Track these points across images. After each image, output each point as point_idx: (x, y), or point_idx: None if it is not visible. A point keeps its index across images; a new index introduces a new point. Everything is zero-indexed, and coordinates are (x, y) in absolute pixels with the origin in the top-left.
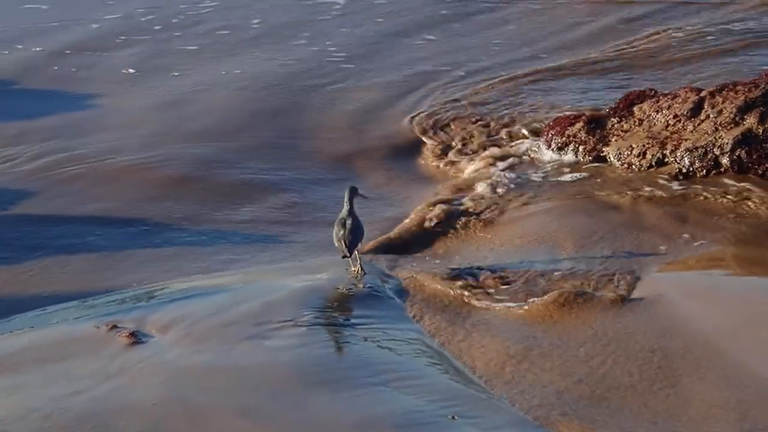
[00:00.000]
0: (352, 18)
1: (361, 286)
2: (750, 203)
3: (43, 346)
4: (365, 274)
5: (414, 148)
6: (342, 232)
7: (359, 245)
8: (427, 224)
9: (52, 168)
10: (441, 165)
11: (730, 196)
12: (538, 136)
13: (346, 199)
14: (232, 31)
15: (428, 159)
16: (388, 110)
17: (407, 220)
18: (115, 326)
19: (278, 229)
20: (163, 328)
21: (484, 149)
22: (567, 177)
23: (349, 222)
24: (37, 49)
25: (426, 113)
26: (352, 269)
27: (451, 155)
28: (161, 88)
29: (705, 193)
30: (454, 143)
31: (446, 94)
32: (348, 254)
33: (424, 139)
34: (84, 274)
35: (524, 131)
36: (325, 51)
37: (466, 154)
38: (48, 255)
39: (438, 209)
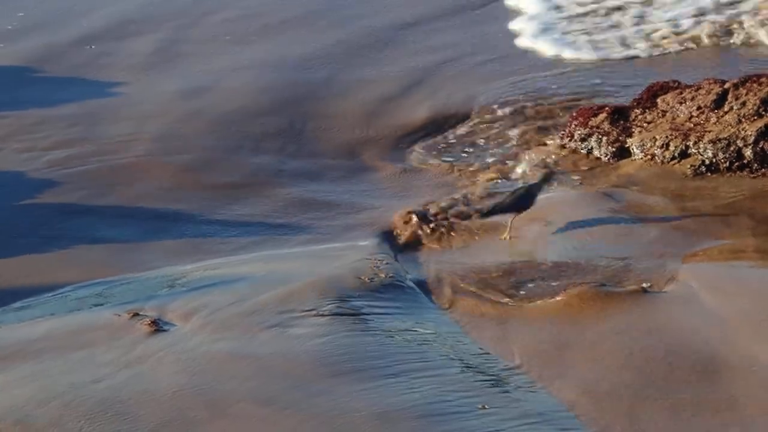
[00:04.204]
0: (373, 5)
1: (382, 275)
2: None
3: (64, 334)
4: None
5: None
6: (506, 197)
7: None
8: (427, 226)
9: (72, 158)
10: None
11: (750, 188)
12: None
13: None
14: (250, 19)
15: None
16: (404, 100)
17: (414, 223)
18: (136, 314)
19: (297, 218)
20: (185, 317)
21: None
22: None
23: (518, 193)
24: (59, 36)
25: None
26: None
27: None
28: (181, 76)
29: (727, 185)
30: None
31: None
32: (486, 212)
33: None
34: (103, 263)
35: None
36: (344, 39)
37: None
38: (66, 246)
39: (446, 202)
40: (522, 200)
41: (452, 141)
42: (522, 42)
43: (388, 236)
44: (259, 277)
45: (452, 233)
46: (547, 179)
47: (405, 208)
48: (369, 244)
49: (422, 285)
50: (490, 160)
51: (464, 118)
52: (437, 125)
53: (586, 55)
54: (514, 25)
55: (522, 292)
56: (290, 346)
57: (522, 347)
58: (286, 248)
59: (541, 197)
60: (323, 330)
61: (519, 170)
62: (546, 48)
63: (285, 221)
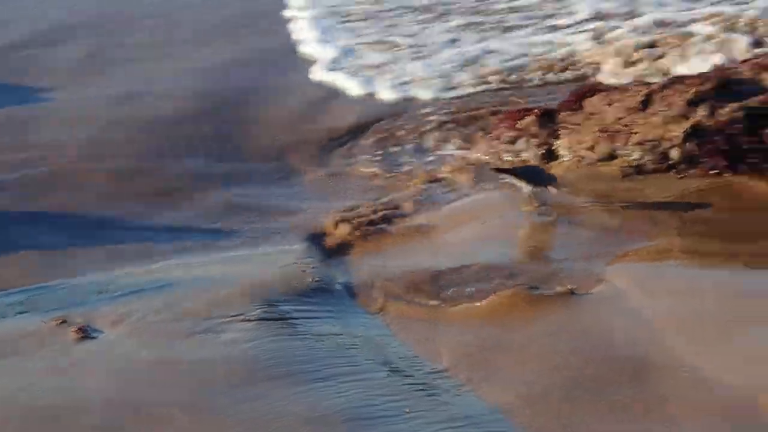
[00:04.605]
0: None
1: (310, 279)
2: (695, 196)
3: None
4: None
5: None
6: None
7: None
8: (356, 230)
9: (1, 165)
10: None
11: (677, 189)
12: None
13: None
14: (180, 25)
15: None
16: (331, 105)
17: (342, 227)
18: (64, 321)
19: (226, 222)
20: (114, 323)
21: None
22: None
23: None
24: None
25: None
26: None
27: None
28: (112, 82)
29: (654, 186)
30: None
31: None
32: (500, 169)
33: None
34: (32, 270)
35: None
36: (271, 47)
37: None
38: None
39: (374, 206)
40: (535, 173)
41: (380, 145)
42: None
43: (316, 240)
44: (188, 282)
45: (381, 237)
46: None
47: (334, 211)
48: (297, 248)
49: (351, 289)
50: (418, 164)
51: (392, 122)
52: (364, 130)
53: None
54: None
55: (451, 295)
56: (218, 352)
57: (450, 350)
58: (216, 253)
59: (468, 200)
60: (251, 335)
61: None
62: None
63: (214, 226)
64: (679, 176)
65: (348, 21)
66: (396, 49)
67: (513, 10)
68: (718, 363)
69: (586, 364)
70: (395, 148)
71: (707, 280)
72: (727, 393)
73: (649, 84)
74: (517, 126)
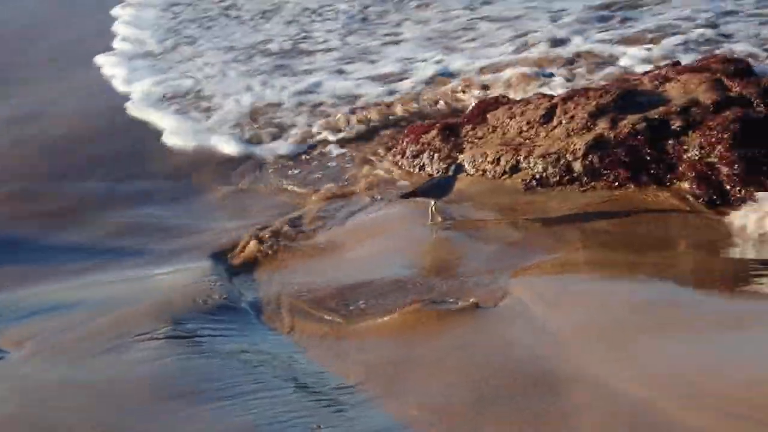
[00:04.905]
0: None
1: (216, 297)
2: (598, 208)
3: None
4: (443, 222)
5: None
6: (425, 183)
7: (433, 201)
8: (262, 247)
9: None
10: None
11: (580, 201)
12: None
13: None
14: (76, 45)
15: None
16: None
17: (249, 244)
18: None
19: (130, 241)
20: (19, 343)
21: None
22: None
23: (436, 180)
24: None
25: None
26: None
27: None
28: (9, 103)
29: (558, 199)
30: None
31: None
32: (405, 195)
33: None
34: None
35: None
36: None
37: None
38: None
39: (280, 223)
40: (436, 189)
41: (286, 162)
42: None
43: (222, 258)
44: (93, 302)
45: (287, 254)
46: (460, 169)
47: (239, 229)
48: (203, 266)
49: (258, 306)
50: (323, 180)
51: (299, 139)
52: (270, 147)
53: None
54: None
55: (357, 311)
56: (125, 371)
57: (357, 366)
58: (122, 272)
59: (373, 214)
60: (157, 353)
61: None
62: None
63: (118, 245)
64: (582, 189)
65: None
66: None
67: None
68: (621, 373)
69: (493, 377)
70: (299, 166)
71: (610, 291)
72: (630, 402)
73: (551, 97)
74: (421, 140)
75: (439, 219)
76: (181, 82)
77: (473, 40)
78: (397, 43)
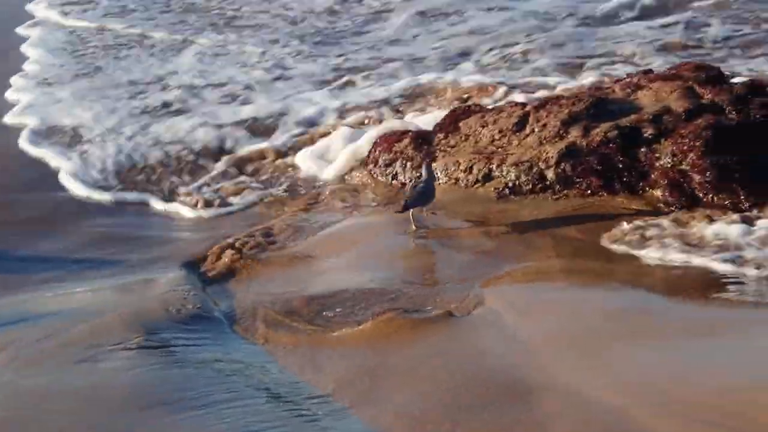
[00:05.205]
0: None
1: (190, 306)
2: (571, 216)
3: None
4: (419, 230)
5: None
6: (408, 191)
7: (420, 207)
8: (236, 256)
9: None
10: None
11: (553, 209)
12: None
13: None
14: None
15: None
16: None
17: (223, 254)
18: None
19: (103, 252)
20: None
21: None
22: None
23: (420, 186)
24: None
25: None
26: (411, 227)
27: None
28: None
29: (530, 207)
30: None
31: None
32: (400, 210)
33: None
34: None
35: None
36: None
37: None
38: None
39: (253, 233)
40: (424, 195)
41: (255, 174)
42: None
43: (196, 268)
44: (68, 311)
45: (261, 263)
46: (429, 168)
47: (213, 239)
48: (176, 276)
49: (232, 316)
50: (297, 190)
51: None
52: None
53: None
54: None
55: (331, 321)
56: (99, 380)
57: (331, 375)
58: (95, 281)
59: (346, 223)
60: (131, 363)
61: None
62: None
63: (90, 255)
64: (554, 197)
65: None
66: None
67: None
68: (593, 381)
69: (466, 385)
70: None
71: (582, 299)
72: (602, 410)
73: (524, 105)
74: (393, 149)
75: (414, 228)
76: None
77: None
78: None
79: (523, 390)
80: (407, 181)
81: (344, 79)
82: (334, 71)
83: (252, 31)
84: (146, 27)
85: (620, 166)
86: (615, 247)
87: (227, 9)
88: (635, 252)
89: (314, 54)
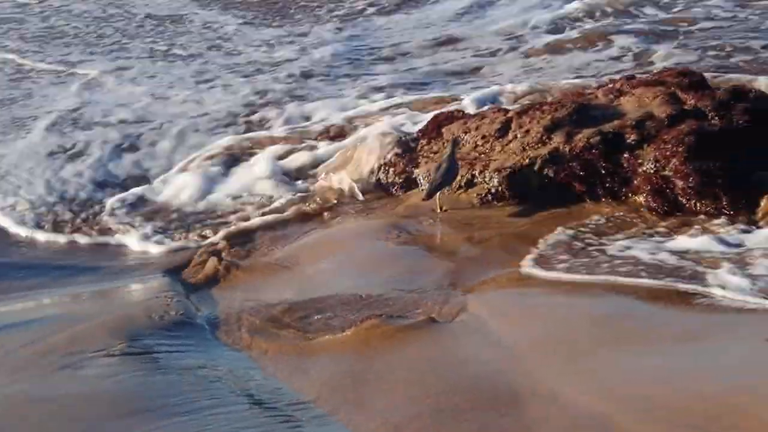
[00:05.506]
0: None
1: (173, 313)
2: (553, 221)
3: None
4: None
5: None
6: (433, 174)
7: (444, 188)
8: (219, 262)
9: None
10: None
11: (536, 215)
12: None
13: (449, 147)
14: None
15: None
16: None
17: (207, 260)
18: None
19: (84, 258)
20: None
21: None
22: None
23: (443, 166)
24: None
25: None
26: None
27: None
28: None
29: (512, 213)
30: None
31: None
32: (427, 197)
33: None
34: None
35: None
36: None
37: None
38: None
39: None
40: (449, 173)
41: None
42: None
43: (178, 274)
44: (50, 318)
45: (245, 269)
46: (455, 145)
47: (196, 244)
48: (159, 282)
49: (215, 322)
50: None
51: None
52: None
53: None
54: None
55: (314, 327)
56: (81, 387)
57: (314, 381)
58: (77, 288)
59: (331, 230)
60: (114, 370)
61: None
62: None
63: (72, 262)
64: (537, 202)
65: None
66: None
67: None
68: (578, 387)
69: (450, 391)
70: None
71: (566, 304)
72: (587, 416)
73: (506, 111)
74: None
75: (444, 208)
76: None
77: None
78: None
79: (508, 396)
80: (390, 187)
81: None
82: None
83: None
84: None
85: (603, 171)
86: None
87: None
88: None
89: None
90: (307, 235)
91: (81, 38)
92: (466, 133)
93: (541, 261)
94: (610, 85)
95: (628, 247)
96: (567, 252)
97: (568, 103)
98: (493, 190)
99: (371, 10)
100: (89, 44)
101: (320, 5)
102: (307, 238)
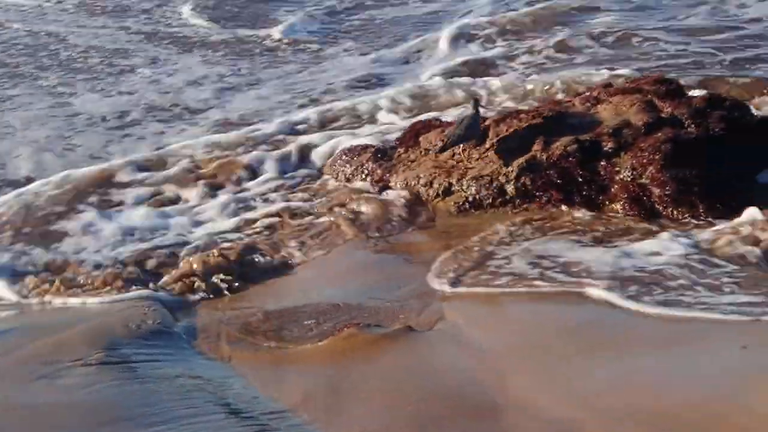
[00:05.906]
0: None
1: (150, 322)
2: (531, 230)
3: None
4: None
5: None
6: (455, 128)
7: (463, 143)
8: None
9: None
10: None
11: (512, 224)
12: None
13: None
14: None
15: None
16: None
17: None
18: None
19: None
20: None
21: None
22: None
23: (465, 122)
24: None
25: None
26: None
27: None
28: None
29: (489, 221)
30: None
31: None
32: (441, 151)
33: None
34: None
35: None
36: None
37: None
38: None
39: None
40: (471, 129)
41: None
42: None
43: (155, 283)
44: (26, 327)
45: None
46: (478, 103)
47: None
48: (136, 292)
49: (193, 331)
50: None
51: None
52: None
53: None
54: None
55: (292, 336)
56: (58, 397)
57: (291, 390)
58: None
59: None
60: (91, 379)
61: None
62: None
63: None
64: (514, 211)
65: None
66: None
67: None
68: (553, 395)
69: (427, 399)
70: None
71: (542, 312)
72: (562, 424)
73: (483, 119)
74: (354, 162)
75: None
76: None
77: None
78: None
79: (484, 404)
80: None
81: None
82: None
83: None
84: None
85: (580, 179)
86: None
87: None
88: None
89: None
90: (286, 242)
91: None
92: (444, 141)
93: None
94: (588, 93)
95: (604, 254)
96: (542, 259)
97: (545, 111)
98: (470, 198)
99: None
100: None
101: None
102: (284, 246)
